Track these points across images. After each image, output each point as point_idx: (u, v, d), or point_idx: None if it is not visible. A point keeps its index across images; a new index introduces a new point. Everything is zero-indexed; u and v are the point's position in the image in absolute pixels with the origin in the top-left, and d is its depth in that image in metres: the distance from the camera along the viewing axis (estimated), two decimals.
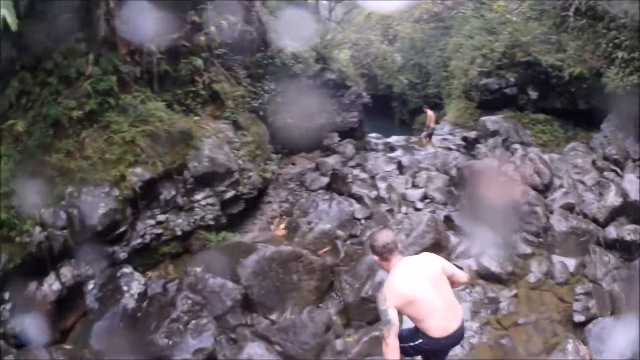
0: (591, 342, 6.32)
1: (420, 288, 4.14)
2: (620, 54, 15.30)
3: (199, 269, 6.65)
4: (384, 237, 4.27)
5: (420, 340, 4.33)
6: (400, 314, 4.17)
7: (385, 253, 4.21)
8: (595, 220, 9.74)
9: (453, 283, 4.45)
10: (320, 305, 6.99)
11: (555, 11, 18.96)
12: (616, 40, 15.65)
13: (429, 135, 17.97)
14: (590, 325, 6.56)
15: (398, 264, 4.23)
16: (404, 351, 4.38)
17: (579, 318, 6.92)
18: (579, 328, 6.76)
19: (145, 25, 7.37)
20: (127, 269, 6.38)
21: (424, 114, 25.75)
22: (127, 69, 7.20)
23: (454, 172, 12.75)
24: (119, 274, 6.29)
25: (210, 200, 7.81)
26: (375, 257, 4.34)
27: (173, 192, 7.28)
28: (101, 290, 6.13)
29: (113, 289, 6.14)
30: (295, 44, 12.21)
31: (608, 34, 16.28)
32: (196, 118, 8.31)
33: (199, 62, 8.31)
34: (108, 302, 6.03)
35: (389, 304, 4.07)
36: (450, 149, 17.87)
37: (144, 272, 6.81)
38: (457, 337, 4.40)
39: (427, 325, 4.21)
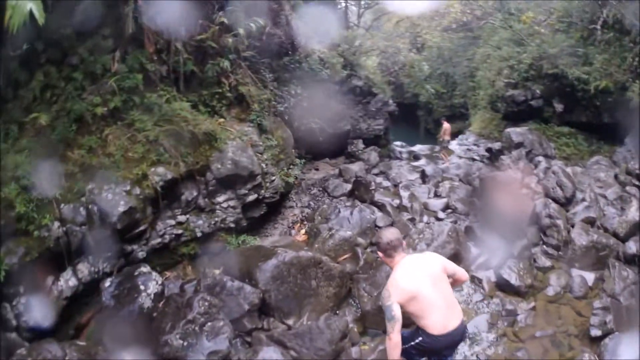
0: (607, 357, 6.27)
1: (422, 285, 4.28)
2: None
3: (217, 271, 6.59)
4: (389, 234, 4.45)
5: (420, 339, 4.45)
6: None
7: (389, 250, 4.39)
8: (615, 235, 9.65)
9: (455, 282, 4.67)
10: (337, 312, 6.92)
11: (583, 24, 18.95)
12: None
13: (445, 148, 18.10)
14: (606, 340, 6.50)
15: (401, 261, 4.40)
16: (405, 354, 4.53)
17: (595, 332, 6.85)
18: (595, 342, 6.68)
19: (173, 24, 7.39)
20: (145, 268, 6.33)
21: (450, 123, 25.78)
22: (153, 67, 7.20)
23: (476, 182, 12.66)
24: (136, 273, 6.25)
25: (231, 203, 7.76)
26: (380, 254, 4.55)
27: (195, 193, 7.25)
28: (118, 288, 6.08)
29: (130, 288, 6.10)
30: (323, 49, 12.19)
31: (635, 47, 16.29)
32: (221, 120, 8.28)
33: (225, 63, 8.29)
34: (124, 300, 5.99)
35: (393, 299, 4.22)
36: (474, 160, 17.85)
37: (161, 272, 6.76)
38: (456, 335, 4.49)
39: (427, 322, 4.34)
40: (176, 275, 6.97)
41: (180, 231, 7.03)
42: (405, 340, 4.44)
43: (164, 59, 7.48)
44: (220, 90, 8.43)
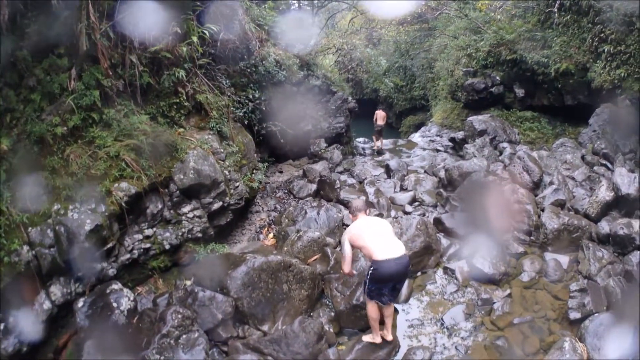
0: (588, 339, 6.45)
1: (367, 228, 6.25)
2: (606, 48, 15.67)
3: (188, 282, 6.81)
4: (357, 202, 6.84)
5: (372, 268, 6.06)
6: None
7: (355, 212, 6.62)
8: (587, 216, 9.93)
9: None
10: (311, 314, 7.15)
11: (540, 8, 19.54)
12: (602, 35, 16.04)
13: (377, 132, 18.84)
14: (586, 322, 6.68)
15: (360, 217, 6.51)
16: (370, 293, 6.22)
17: (574, 315, 7.09)
18: (575, 325, 6.94)
19: (127, 38, 7.51)
20: (117, 285, 6.44)
21: (411, 116, 26.25)
22: (109, 83, 7.27)
23: (442, 173, 12.96)
24: (108, 291, 6.35)
25: (197, 213, 7.92)
26: (350, 216, 6.77)
27: (160, 206, 7.39)
28: (91, 308, 6.19)
29: (103, 306, 6.20)
30: (278, 51, 12.36)
31: (593, 28, 16.66)
32: (180, 130, 8.43)
33: (181, 73, 8.39)
34: (98, 319, 6.09)
35: (345, 237, 6.35)
36: (438, 151, 18.37)
37: (133, 287, 6.93)
38: (400, 264, 6.01)
39: (372, 251, 6.04)
40: (148, 290, 7.10)
41: (148, 245, 7.18)
42: (365, 283, 6.23)
43: (120, 73, 7.55)
44: (177, 100, 8.54)
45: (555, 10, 18.28)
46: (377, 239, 6.10)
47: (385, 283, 6.14)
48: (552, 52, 17.92)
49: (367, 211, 6.83)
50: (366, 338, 6.59)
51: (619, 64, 15.33)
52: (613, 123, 14.72)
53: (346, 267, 6.35)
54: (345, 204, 10.45)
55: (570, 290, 7.52)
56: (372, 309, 6.31)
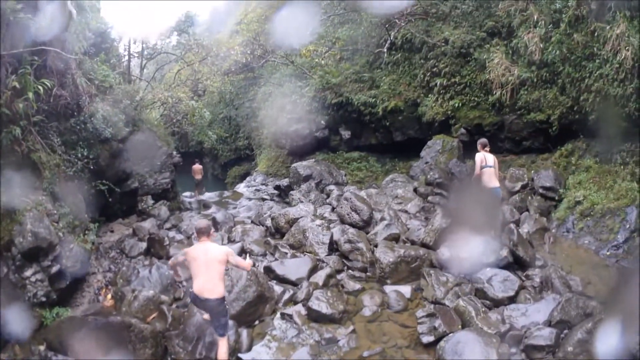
0: (447, 358, 7.44)
1: (198, 259, 7.43)
2: (439, 81, 18.05)
3: (42, 348, 7.37)
4: (201, 223, 7.88)
5: (191, 290, 7.52)
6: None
7: (198, 234, 7.70)
8: (425, 245, 11.37)
9: (240, 267, 7.95)
10: None
11: (369, 49, 21.54)
12: (435, 69, 18.44)
13: (197, 185, 21.69)
14: (442, 343, 7.70)
15: (202, 242, 7.60)
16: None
17: (427, 339, 8.20)
18: (430, 348, 8.03)
19: None
20: None
21: (236, 166, 28.02)
22: None
23: (269, 222, 14.28)
24: None
25: (39, 277, 8.40)
26: (195, 234, 7.87)
27: (5, 270, 7.86)
28: None
29: None
30: (106, 106, 13.01)
31: (426, 64, 18.99)
32: (17, 190, 8.79)
33: (17, 131, 8.78)
34: None
35: (183, 252, 7.80)
36: (264, 199, 19.65)
37: None
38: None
39: (193, 282, 7.45)
40: (8, 356, 7.41)
41: None
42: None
43: None
44: (14, 159, 8.88)
45: (385, 50, 20.31)
46: (201, 275, 7.42)
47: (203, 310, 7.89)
48: (380, 91, 19.96)
49: (211, 234, 7.82)
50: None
51: (452, 95, 17.80)
52: (446, 153, 17.02)
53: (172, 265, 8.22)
54: None
55: (417, 317, 8.65)
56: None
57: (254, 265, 11.20)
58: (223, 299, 7.49)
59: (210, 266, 7.36)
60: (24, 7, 8.75)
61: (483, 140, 12.47)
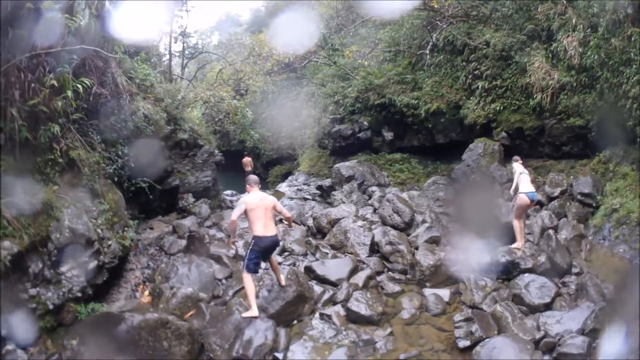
0: None
1: (259, 204, 8.99)
2: (480, 84, 17.80)
3: (74, 342, 7.39)
4: (254, 177, 9.65)
5: (254, 241, 8.88)
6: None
7: (252, 184, 9.39)
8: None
9: (283, 216, 9.83)
10: None
11: (411, 51, 21.53)
12: (476, 72, 18.21)
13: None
14: (477, 348, 7.75)
15: (253, 191, 9.30)
16: (248, 269, 8.90)
17: (463, 343, 8.11)
18: (466, 353, 7.96)
19: (9, 90, 8.00)
20: (11, 346, 6.91)
21: (278, 166, 27.97)
22: None
23: (310, 222, 14.21)
24: (4, 352, 6.78)
25: (75, 272, 8.48)
26: (247, 185, 9.46)
27: (40, 265, 7.90)
28: None
29: None
30: (147, 105, 13.15)
31: (467, 66, 18.80)
32: (55, 187, 8.96)
33: (56, 128, 8.89)
34: None
35: (241, 201, 9.18)
36: (305, 199, 19.52)
37: (25, 348, 7.31)
38: (273, 240, 9.13)
39: (255, 227, 8.87)
40: (39, 350, 7.48)
41: (34, 305, 7.63)
42: (248, 253, 8.97)
43: (1, 126, 7.97)
44: (52, 157, 9.00)
45: (427, 52, 20.12)
46: (260, 218, 8.90)
47: (263, 253, 9.07)
48: (422, 93, 19.80)
49: (259, 185, 9.61)
50: (245, 315, 8.56)
51: (494, 98, 17.50)
52: (488, 156, 16.77)
53: (232, 226, 9.33)
54: (216, 259, 11.41)
55: (455, 321, 8.58)
56: (249, 283, 8.80)
57: (294, 264, 11.52)
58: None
59: (267, 211, 9.04)
60: (61, 7, 8.83)
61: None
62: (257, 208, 8.94)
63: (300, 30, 23.80)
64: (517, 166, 12.41)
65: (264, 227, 8.87)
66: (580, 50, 14.85)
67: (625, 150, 13.81)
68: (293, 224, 12.00)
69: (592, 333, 7.84)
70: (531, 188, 11.93)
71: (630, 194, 12.29)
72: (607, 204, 12.66)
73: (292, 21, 24.06)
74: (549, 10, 16.47)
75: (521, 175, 12.07)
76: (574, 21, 15.14)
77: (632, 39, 12.95)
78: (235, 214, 9.08)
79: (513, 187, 12.30)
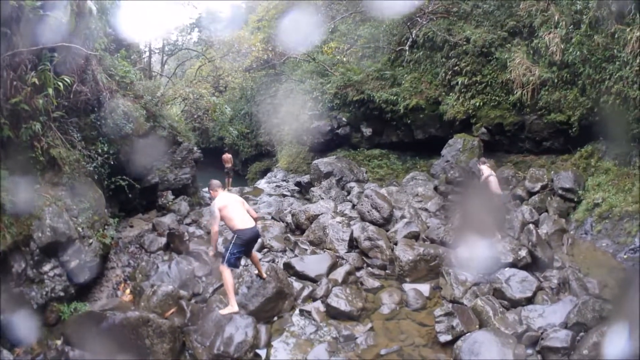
0: (464, 357, 7.42)
1: (230, 202, 9.07)
2: (460, 80, 18.07)
3: (58, 342, 7.40)
4: (215, 181, 9.54)
5: (235, 236, 8.86)
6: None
7: (216, 188, 9.35)
8: (443, 244, 11.39)
9: (251, 214, 9.34)
10: None
11: (391, 47, 21.63)
12: (456, 68, 18.47)
13: (227, 174, 21.50)
14: (459, 342, 7.69)
15: (219, 193, 9.25)
16: (229, 263, 8.78)
17: (445, 338, 8.17)
18: (448, 347, 8.01)
19: None
20: None
21: (257, 162, 27.97)
22: None
23: (289, 218, 14.25)
24: None
25: (57, 271, 8.49)
26: (210, 192, 9.48)
27: (23, 265, 7.89)
28: None
29: None
30: (127, 102, 13.06)
31: (447, 62, 19.03)
32: (37, 186, 8.94)
33: (37, 126, 8.86)
34: None
35: (215, 206, 8.94)
36: (284, 196, 19.49)
37: (11, 348, 7.31)
38: (254, 232, 9.11)
39: (234, 222, 8.88)
40: (25, 351, 7.46)
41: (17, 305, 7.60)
42: (226, 250, 8.87)
43: None
44: (33, 155, 8.97)
45: (407, 48, 20.34)
46: (238, 212, 9.02)
47: (245, 246, 9.02)
48: (401, 89, 19.97)
49: (222, 188, 9.73)
50: (224, 312, 8.53)
51: (474, 94, 17.77)
52: (466, 152, 17.06)
53: (214, 237, 9.22)
54: (196, 256, 11.39)
55: (435, 316, 8.62)
56: (229, 276, 8.78)
57: (273, 260, 11.43)
58: None
59: (241, 205, 9.23)
60: (43, 5, 8.77)
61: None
62: (229, 204, 9.03)
63: (283, 28, 23.85)
64: (485, 168, 12.73)
65: (242, 221, 8.93)
66: (562, 46, 15.13)
67: (607, 146, 14.13)
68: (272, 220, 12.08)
69: (575, 327, 7.96)
70: (499, 191, 12.33)
71: (613, 188, 12.56)
72: (589, 198, 12.91)
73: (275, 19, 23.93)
74: (531, 6, 16.78)
75: (489, 178, 12.39)
76: (556, 18, 15.41)
77: (616, 35, 13.21)
78: (215, 225, 9.08)
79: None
